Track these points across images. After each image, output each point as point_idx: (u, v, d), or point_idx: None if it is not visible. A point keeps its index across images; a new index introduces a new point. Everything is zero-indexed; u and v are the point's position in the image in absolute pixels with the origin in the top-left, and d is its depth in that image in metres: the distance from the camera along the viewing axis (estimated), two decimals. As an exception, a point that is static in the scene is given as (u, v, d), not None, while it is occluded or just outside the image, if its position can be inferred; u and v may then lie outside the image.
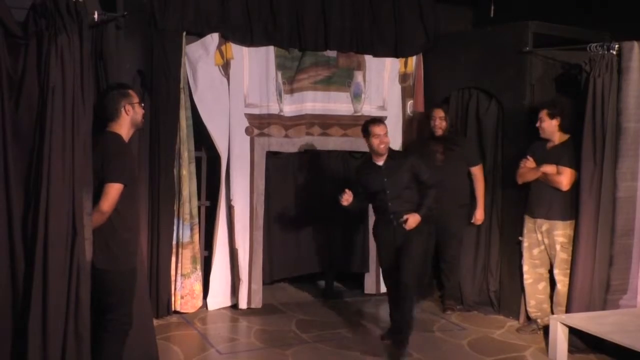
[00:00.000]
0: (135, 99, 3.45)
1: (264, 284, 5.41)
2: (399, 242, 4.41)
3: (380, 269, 5.61)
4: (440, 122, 5.25)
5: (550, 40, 5.03)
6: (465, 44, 5.52)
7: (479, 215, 5.29)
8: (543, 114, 4.59)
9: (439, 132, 5.23)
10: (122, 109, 3.37)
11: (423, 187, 4.45)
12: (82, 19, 3.22)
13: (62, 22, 3.15)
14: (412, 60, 5.78)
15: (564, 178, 4.53)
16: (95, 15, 3.47)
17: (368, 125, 4.46)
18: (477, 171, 5.27)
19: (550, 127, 4.60)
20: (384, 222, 4.52)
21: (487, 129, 5.36)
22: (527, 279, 4.83)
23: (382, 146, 4.40)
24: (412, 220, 4.33)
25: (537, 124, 4.62)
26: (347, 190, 4.41)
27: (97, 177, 3.23)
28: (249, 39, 5.17)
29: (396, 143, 5.74)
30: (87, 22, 3.28)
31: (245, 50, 5.19)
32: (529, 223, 4.78)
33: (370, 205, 4.93)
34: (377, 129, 4.39)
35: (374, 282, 5.76)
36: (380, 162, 4.46)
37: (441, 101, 5.70)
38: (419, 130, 5.78)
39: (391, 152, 4.50)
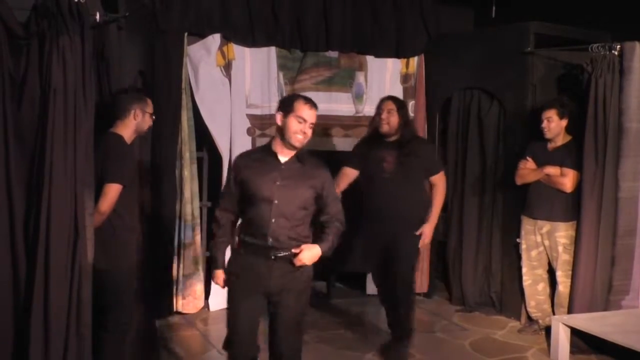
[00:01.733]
0: (149, 109, 3.47)
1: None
2: (272, 288, 3.05)
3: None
4: (387, 116, 4.15)
5: (552, 40, 5.03)
6: (466, 45, 5.52)
7: (427, 231, 4.23)
8: (552, 113, 4.54)
9: (385, 129, 4.17)
10: (132, 112, 3.39)
11: (324, 219, 3.18)
12: (84, 19, 3.22)
13: (64, 23, 3.15)
14: (414, 61, 5.78)
15: (568, 180, 4.52)
16: (97, 16, 3.47)
17: (295, 100, 3.14)
18: (438, 180, 4.32)
19: (559, 128, 4.57)
20: (252, 251, 3.06)
21: (488, 129, 5.35)
22: (526, 280, 4.82)
23: (299, 137, 3.07)
24: (309, 255, 3.03)
25: (543, 124, 4.57)
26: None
27: (98, 178, 3.24)
28: (251, 40, 5.17)
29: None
30: (89, 22, 3.28)
31: (246, 50, 5.19)
32: (527, 225, 4.76)
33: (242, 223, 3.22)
34: (306, 111, 3.08)
35: (376, 283, 5.75)
36: (284, 158, 3.14)
37: (442, 102, 5.70)
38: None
39: (303, 152, 3.18)
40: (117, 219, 3.31)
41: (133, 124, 3.42)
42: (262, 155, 3.18)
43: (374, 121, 4.32)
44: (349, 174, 4.41)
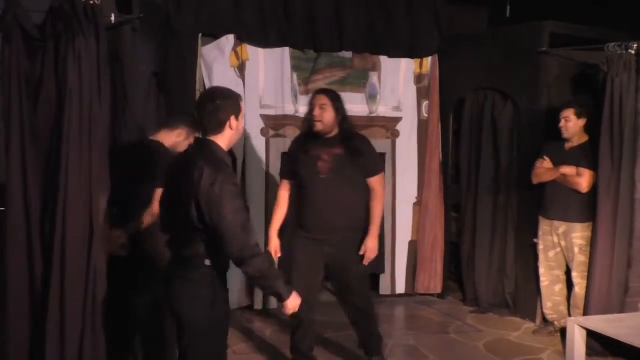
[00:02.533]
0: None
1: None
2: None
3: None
4: (320, 112, 3.64)
5: (567, 40, 4.99)
6: (480, 45, 5.49)
7: (370, 244, 3.77)
8: (570, 113, 4.51)
9: (319, 127, 3.67)
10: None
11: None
12: (99, 21, 3.25)
13: (80, 25, 3.18)
14: (428, 61, 5.76)
15: (584, 180, 4.48)
16: (112, 18, 3.50)
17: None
18: (376, 184, 3.80)
19: (577, 127, 4.53)
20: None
21: (502, 130, 5.32)
22: (544, 281, 4.79)
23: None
24: None
25: (561, 124, 4.54)
26: None
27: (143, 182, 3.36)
28: (264, 41, 5.19)
29: (411, 145, 5.73)
30: (104, 24, 3.31)
31: (260, 51, 5.20)
32: (544, 225, 4.73)
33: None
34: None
35: (389, 283, 5.74)
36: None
37: (456, 102, 5.68)
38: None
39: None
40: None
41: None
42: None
43: (307, 119, 3.76)
44: (286, 186, 3.89)
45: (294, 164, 3.77)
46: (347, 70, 5.50)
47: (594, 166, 4.44)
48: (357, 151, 3.66)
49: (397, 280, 5.75)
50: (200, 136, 2.76)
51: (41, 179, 3.23)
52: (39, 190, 3.22)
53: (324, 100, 3.66)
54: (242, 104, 2.78)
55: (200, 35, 4.97)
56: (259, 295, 5.24)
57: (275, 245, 3.82)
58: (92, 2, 3.20)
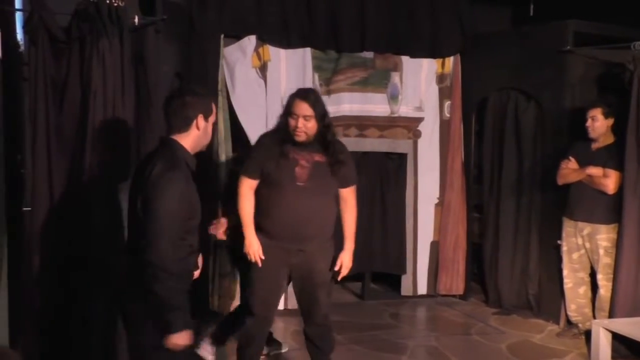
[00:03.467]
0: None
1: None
2: None
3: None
4: (304, 124, 3.27)
5: (592, 39, 4.93)
6: (503, 44, 5.45)
7: (347, 260, 3.48)
8: (597, 112, 4.45)
9: (302, 138, 3.29)
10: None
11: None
12: (122, 23, 3.30)
13: (104, 27, 3.23)
14: (450, 61, 5.73)
15: (611, 181, 4.42)
16: (136, 20, 3.54)
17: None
18: (351, 194, 3.52)
19: (604, 127, 4.47)
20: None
21: (525, 130, 5.27)
22: (567, 283, 4.73)
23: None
24: None
25: (588, 124, 4.48)
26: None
27: None
28: (286, 41, 5.20)
29: (433, 145, 5.70)
30: (127, 26, 3.36)
31: (282, 52, 5.22)
32: (568, 226, 4.68)
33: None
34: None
35: (411, 284, 5.72)
36: None
37: (478, 102, 5.64)
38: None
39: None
40: None
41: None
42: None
43: (283, 129, 3.34)
44: (253, 186, 3.42)
45: (267, 165, 3.32)
46: (368, 71, 5.49)
47: (620, 167, 4.38)
48: (338, 161, 3.36)
49: (419, 281, 5.73)
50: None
51: (66, 176, 3.28)
52: (64, 188, 3.27)
53: (307, 110, 3.26)
54: (214, 106, 2.57)
55: (222, 36, 5.00)
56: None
57: (258, 247, 3.35)
58: (116, 5, 3.25)
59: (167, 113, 2.51)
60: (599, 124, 4.47)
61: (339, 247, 3.52)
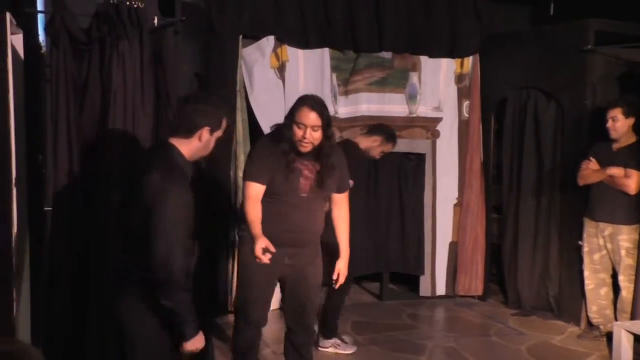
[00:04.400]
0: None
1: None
2: None
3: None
4: (310, 134, 3.13)
5: (613, 38, 4.87)
6: (523, 44, 5.41)
7: (344, 268, 3.40)
8: (617, 112, 4.40)
9: (307, 148, 3.18)
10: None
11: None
12: (142, 24, 3.33)
13: (124, 28, 3.26)
14: (469, 61, 5.70)
15: (632, 181, 4.36)
16: (155, 21, 3.57)
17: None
18: (345, 199, 3.48)
19: (624, 127, 4.42)
20: None
21: (545, 129, 5.22)
22: (589, 284, 4.68)
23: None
24: None
25: (608, 124, 4.43)
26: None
27: None
28: (304, 42, 5.22)
29: (451, 145, 5.68)
30: (147, 27, 3.39)
31: (300, 52, 5.23)
32: (589, 227, 4.63)
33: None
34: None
35: (429, 285, 5.70)
36: None
37: (497, 101, 5.60)
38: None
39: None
40: None
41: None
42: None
43: (289, 137, 3.19)
44: (261, 190, 3.28)
45: (274, 174, 3.22)
46: (386, 71, 5.48)
47: (643, 167, 4.33)
48: (333, 167, 3.28)
49: (437, 281, 5.71)
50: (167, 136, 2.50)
51: (86, 177, 3.32)
52: (84, 188, 3.31)
53: (316, 120, 3.12)
54: (224, 122, 2.49)
55: (240, 36, 5.03)
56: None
57: (266, 241, 3.11)
58: (135, 6, 3.28)
59: (177, 112, 2.50)
60: (619, 124, 4.42)
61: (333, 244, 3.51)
